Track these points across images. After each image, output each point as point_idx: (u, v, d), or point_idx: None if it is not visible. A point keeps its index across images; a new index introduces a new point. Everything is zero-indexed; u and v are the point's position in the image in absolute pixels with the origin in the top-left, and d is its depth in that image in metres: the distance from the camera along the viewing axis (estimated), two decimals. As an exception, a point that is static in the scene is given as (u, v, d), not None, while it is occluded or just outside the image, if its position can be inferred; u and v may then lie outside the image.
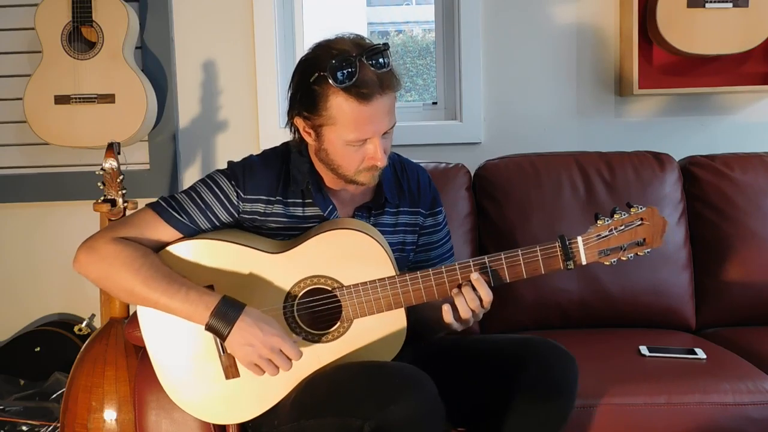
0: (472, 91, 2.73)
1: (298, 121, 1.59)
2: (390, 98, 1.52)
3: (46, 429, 2.38)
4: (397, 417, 1.35)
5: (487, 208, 2.39)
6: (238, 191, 1.61)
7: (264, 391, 1.54)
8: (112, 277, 1.52)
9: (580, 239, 1.52)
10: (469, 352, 1.66)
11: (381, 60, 1.49)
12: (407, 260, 1.76)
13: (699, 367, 1.97)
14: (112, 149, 2.25)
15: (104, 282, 1.55)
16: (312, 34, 2.90)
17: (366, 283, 1.53)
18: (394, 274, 1.54)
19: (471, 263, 1.54)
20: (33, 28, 2.56)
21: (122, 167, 2.26)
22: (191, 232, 1.58)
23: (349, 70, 1.46)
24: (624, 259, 1.54)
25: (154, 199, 2.69)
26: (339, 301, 1.54)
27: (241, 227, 1.64)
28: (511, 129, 2.75)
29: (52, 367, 2.54)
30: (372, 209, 1.68)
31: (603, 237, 1.52)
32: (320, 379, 1.50)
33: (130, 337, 1.79)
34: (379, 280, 1.53)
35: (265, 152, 1.70)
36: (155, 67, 2.71)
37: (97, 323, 2.62)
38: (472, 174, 2.47)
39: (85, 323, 2.66)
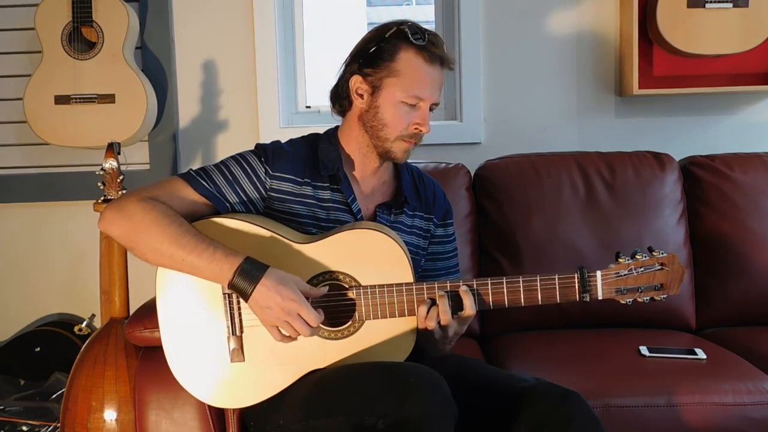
0: (472, 91, 2.73)
1: (354, 81, 1.66)
2: (443, 76, 1.67)
3: (46, 429, 2.38)
4: (411, 414, 1.34)
5: (487, 208, 2.39)
6: (266, 167, 1.65)
7: (266, 380, 1.54)
8: (140, 234, 1.52)
9: (599, 273, 1.54)
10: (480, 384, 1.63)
11: (442, 44, 1.66)
12: (419, 265, 1.77)
13: (699, 367, 1.97)
14: (112, 149, 2.25)
15: (130, 239, 1.55)
16: (312, 34, 2.90)
17: (383, 285, 1.53)
18: (412, 280, 1.55)
19: (489, 281, 1.55)
20: (33, 28, 2.56)
21: (122, 167, 2.26)
22: (218, 201, 1.61)
23: (422, 34, 1.63)
24: (640, 300, 1.56)
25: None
26: (354, 299, 1.54)
27: (270, 210, 1.65)
28: (511, 129, 2.75)
29: (52, 367, 2.54)
30: (392, 207, 1.72)
31: (621, 276, 1.55)
32: (330, 379, 1.50)
33: (130, 337, 1.79)
34: (396, 284, 1.53)
35: (293, 139, 1.76)
36: (155, 67, 2.71)
37: (97, 323, 2.62)
38: (472, 174, 2.47)
39: (85, 323, 2.66)
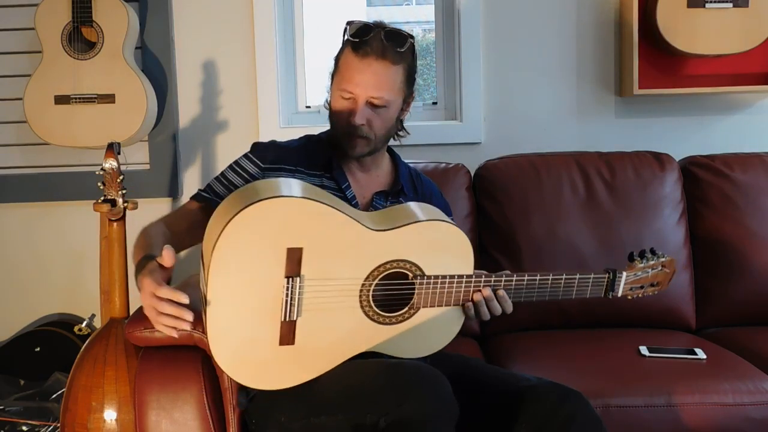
0: (472, 91, 2.73)
1: (331, 87, 1.75)
2: (387, 68, 1.66)
3: (46, 429, 2.38)
4: (412, 413, 1.34)
5: (487, 208, 2.40)
6: (257, 162, 1.74)
7: (311, 362, 1.51)
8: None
9: (624, 274, 1.67)
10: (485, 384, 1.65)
11: (396, 38, 1.66)
12: None
13: (699, 367, 1.97)
14: (112, 149, 2.24)
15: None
16: (312, 34, 2.90)
17: (446, 276, 1.55)
18: (472, 272, 1.58)
19: (538, 275, 1.63)
20: (33, 28, 2.56)
21: (122, 167, 2.25)
22: (217, 204, 1.65)
23: (363, 31, 1.66)
24: (641, 295, 1.72)
25: (154, 199, 2.74)
26: (414, 288, 1.55)
27: None
28: (511, 129, 2.75)
29: (52, 367, 2.54)
30: (389, 195, 1.78)
31: (639, 276, 1.69)
32: (331, 376, 1.50)
33: (130, 337, 1.79)
34: (458, 276, 1.56)
35: (290, 139, 1.85)
36: (155, 67, 2.71)
37: (97, 323, 2.62)
38: (472, 174, 2.47)
39: (85, 323, 2.65)
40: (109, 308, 2.25)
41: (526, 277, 1.62)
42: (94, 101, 2.54)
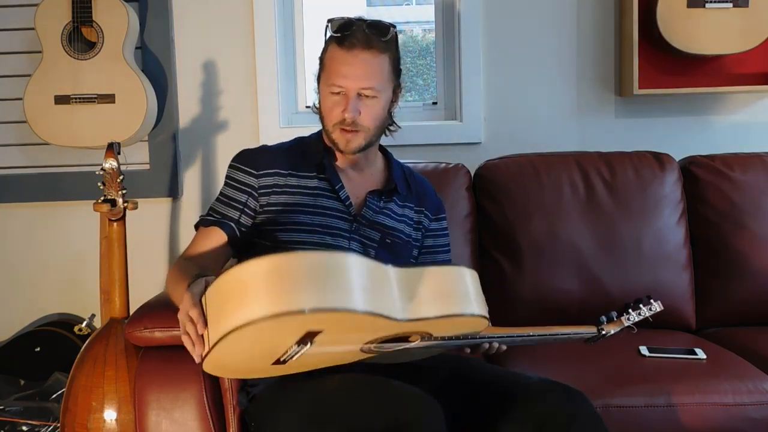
0: (472, 91, 2.73)
1: (318, 88, 1.75)
2: (374, 57, 1.66)
3: (46, 429, 2.38)
4: (408, 424, 1.33)
5: (487, 208, 2.39)
6: (251, 170, 1.73)
7: (295, 369, 1.49)
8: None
9: (611, 332, 1.69)
10: (481, 383, 1.64)
11: (379, 28, 1.66)
12: (411, 255, 1.82)
13: (699, 367, 1.97)
14: (112, 149, 2.24)
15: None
16: (312, 33, 2.90)
17: (451, 337, 1.52)
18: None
19: (536, 334, 1.62)
20: (33, 28, 2.56)
21: (122, 167, 2.25)
22: (222, 224, 1.71)
23: (345, 25, 1.67)
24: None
25: (154, 199, 2.74)
26: (414, 339, 1.48)
27: (260, 204, 1.71)
28: (511, 129, 2.75)
29: (52, 367, 2.54)
30: (382, 195, 1.78)
31: (621, 331, 1.72)
32: (325, 388, 1.49)
33: (130, 337, 1.79)
34: (463, 336, 1.53)
35: (278, 143, 1.86)
36: (155, 67, 2.71)
37: (97, 323, 2.62)
38: (472, 174, 2.47)
39: (85, 323, 2.65)
40: (109, 308, 2.26)
41: (526, 335, 1.60)
42: (94, 101, 2.54)
